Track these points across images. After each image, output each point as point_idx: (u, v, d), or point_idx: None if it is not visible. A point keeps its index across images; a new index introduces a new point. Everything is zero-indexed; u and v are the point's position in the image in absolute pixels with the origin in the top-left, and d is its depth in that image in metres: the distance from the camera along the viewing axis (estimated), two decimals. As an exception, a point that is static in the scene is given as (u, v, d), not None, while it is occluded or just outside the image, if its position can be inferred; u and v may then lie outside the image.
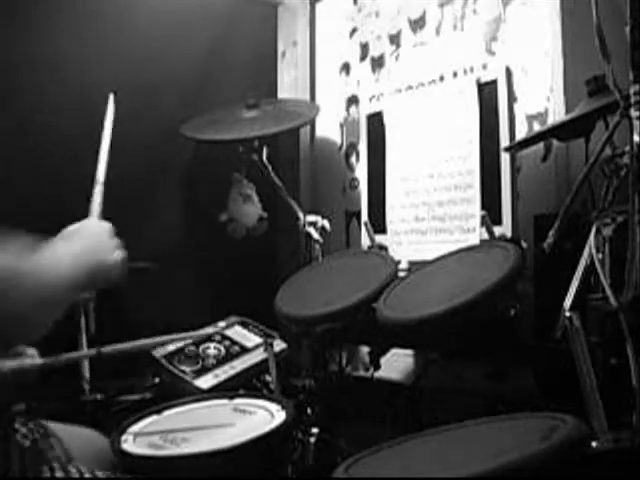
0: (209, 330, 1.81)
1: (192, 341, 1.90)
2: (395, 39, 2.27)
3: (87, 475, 0.97)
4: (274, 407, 1.35)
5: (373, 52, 2.35)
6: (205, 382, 1.73)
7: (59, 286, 0.93)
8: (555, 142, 1.80)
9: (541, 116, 1.86)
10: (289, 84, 2.62)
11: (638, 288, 1.03)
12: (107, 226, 1.11)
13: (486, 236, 1.62)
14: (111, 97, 1.45)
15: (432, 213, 1.87)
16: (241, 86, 2.40)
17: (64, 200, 1.91)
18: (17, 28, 1.92)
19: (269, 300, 1.73)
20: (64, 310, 0.95)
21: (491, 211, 1.64)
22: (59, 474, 0.95)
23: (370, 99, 2.28)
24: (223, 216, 2.23)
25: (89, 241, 1.03)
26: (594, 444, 0.99)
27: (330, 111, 2.46)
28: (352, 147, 2.41)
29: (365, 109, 2.18)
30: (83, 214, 1.20)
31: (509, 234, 1.67)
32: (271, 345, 1.66)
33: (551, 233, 1.25)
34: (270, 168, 2.16)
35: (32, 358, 1.21)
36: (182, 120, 2.18)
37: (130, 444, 1.23)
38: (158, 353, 1.83)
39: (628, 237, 1.04)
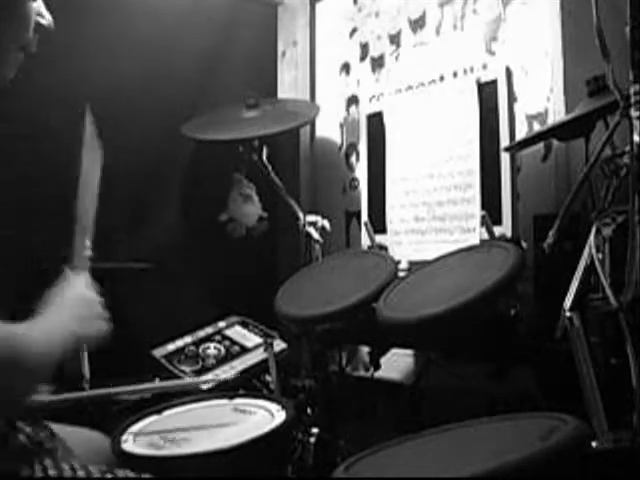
0: (187, 381, 1.74)
1: (192, 340, 1.90)
2: (395, 39, 2.27)
3: (80, 472, 0.97)
4: (274, 407, 1.35)
5: (373, 52, 2.35)
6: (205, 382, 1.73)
7: (48, 362, 0.98)
8: (555, 142, 1.80)
9: (541, 116, 1.86)
10: (289, 84, 2.62)
11: (638, 288, 1.03)
12: (94, 296, 1.14)
13: (486, 236, 1.62)
14: (87, 111, 1.26)
15: (432, 213, 1.87)
16: (241, 86, 2.40)
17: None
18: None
19: (269, 300, 1.73)
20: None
21: (491, 211, 1.64)
22: (52, 472, 0.95)
23: (370, 99, 2.28)
24: (223, 216, 2.24)
25: (77, 315, 1.07)
26: (594, 444, 0.99)
27: (330, 111, 2.46)
28: (352, 147, 2.41)
29: (365, 109, 2.18)
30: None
31: (509, 234, 1.67)
32: (271, 345, 1.66)
33: (551, 233, 1.25)
34: (270, 168, 2.16)
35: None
36: (182, 120, 2.18)
37: (130, 444, 1.23)
38: (158, 353, 1.84)
39: (628, 237, 1.04)
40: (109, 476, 0.99)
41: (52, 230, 1.55)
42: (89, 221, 1.22)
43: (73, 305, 1.08)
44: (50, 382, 1.05)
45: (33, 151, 1.93)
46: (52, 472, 0.95)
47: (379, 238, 1.96)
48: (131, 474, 1.02)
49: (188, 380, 1.73)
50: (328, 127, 2.50)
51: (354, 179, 2.39)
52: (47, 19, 1.03)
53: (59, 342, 1.00)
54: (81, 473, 0.97)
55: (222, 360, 1.83)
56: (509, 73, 1.73)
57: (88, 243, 1.21)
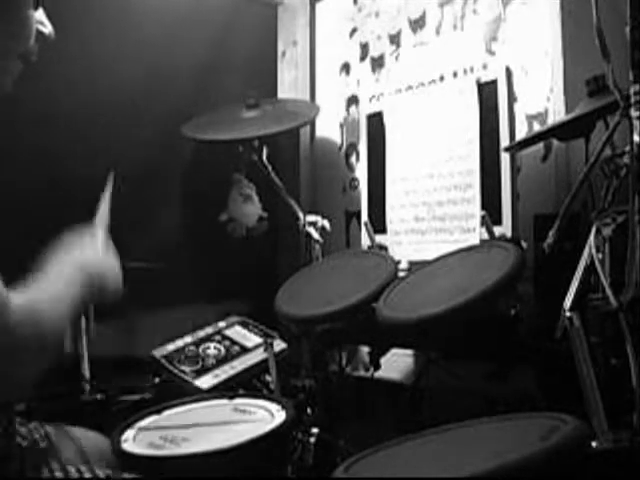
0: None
1: (192, 340, 1.90)
2: (395, 39, 2.27)
3: (87, 475, 0.97)
4: (274, 407, 1.35)
5: (373, 52, 2.35)
6: (205, 382, 1.73)
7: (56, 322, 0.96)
8: (555, 142, 1.80)
9: (541, 116, 1.86)
10: (289, 84, 2.62)
11: (638, 288, 1.03)
12: (108, 247, 1.16)
13: (486, 236, 1.62)
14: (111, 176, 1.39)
15: (432, 213, 1.87)
16: (241, 86, 2.40)
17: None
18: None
19: (269, 300, 1.73)
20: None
21: (491, 211, 1.64)
22: (58, 474, 0.95)
23: (370, 99, 2.28)
24: (223, 216, 2.24)
25: (91, 267, 1.07)
26: (594, 444, 0.99)
27: (330, 111, 2.46)
28: (352, 147, 2.41)
29: (365, 109, 2.18)
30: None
31: (509, 234, 1.67)
32: (271, 345, 1.66)
33: (551, 233, 1.25)
34: (270, 168, 2.16)
35: None
36: (182, 120, 2.18)
37: (130, 444, 1.23)
38: (158, 353, 1.84)
39: (628, 237, 1.04)
40: (114, 478, 0.99)
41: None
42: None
43: (88, 263, 1.08)
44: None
45: (35, 153, 1.93)
46: (58, 474, 0.95)
47: (379, 238, 1.96)
48: (135, 477, 1.02)
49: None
50: (328, 127, 2.50)
51: (354, 179, 2.39)
52: (48, 28, 1.04)
53: (66, 305, 0.98)
54: (87, 476, 0.97)
55: (222, 360, 1.83)
56: (509, 73, 1.73)
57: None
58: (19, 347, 0.83)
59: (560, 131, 1.57)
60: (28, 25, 0.98)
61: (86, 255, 1.08)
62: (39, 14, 1.02)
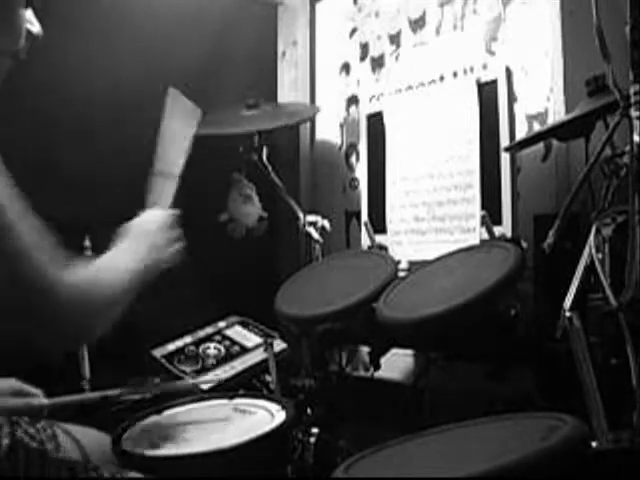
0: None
1: (192, 340, 1.90)
2: (395, 39, 2.27)
3: (92, 474, 0.97)
4: (274, 407, 1.35)
5: (373, 52, 2.35)
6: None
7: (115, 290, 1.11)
8: (555, 142, 1.80)
9: (541, 116, 1.86)
10: (289, 84, 2.62)
11: (638, 288, 1.03)
12: (166, 222, 1.31)
13: (486, 236, 1.62)
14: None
15: (432, 213, 1.87)
16: (241, 86, 2.40)
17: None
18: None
19: (269, 300, 1.73)
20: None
21: (491, 211, 1.64)
22: (64, 473, 0.95)
23: (370, 99, 2.28)
24: (223, 216, 2.23)
25: (151, 241, 1.23)
26: (594, 444, 0.99)
27: (330, 111, 2.46)
28: (352, 147, 2.41)
29: (365, 109, 2.18)
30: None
31: (509, 234, 1.67)
32: (271, 345, 1.66)
33: (551, 233, 1.25)
34: (270, 168, 2.16)
35: (38, 398, 1.27)
36: (182, 120, 2.18)
37: (130, 444, 1.23)
38: (158, 353, 1.84)
39: (628, 237, 1.04)
40: (118, 476, 0.99)
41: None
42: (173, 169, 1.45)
43: (149, 234, 1.23)
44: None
45: (33, 151, 1.93)
46: (64, 473, 0.95)
47: (379, 238, 1.96)
48: (139, 475, 1.03)
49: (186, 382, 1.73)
50: (328, 127, 2.50)
51: (354, 179, 2.39)
52: (36, 27, 1.04)
53: (139, 263, 1.14)
54: (93, 475, 0.97)
55: (222, 360, 1.83)
56: (509, 73, 1.73)
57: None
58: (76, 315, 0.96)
59: (560, 131, 1.57)
60: (19, 24, 0.99)
61: (150, 229, 1.25)
62: (28, 13, 1.03)
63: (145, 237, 1.23)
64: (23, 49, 1.02)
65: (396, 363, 1.97)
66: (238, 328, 1.99)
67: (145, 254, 1.19)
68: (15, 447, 0.97)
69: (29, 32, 1.03)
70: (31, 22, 1.03)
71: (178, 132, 1.44)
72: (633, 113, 1.04)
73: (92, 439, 1.20)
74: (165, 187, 1.43)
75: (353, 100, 2.42)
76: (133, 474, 1.03)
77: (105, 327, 1.07)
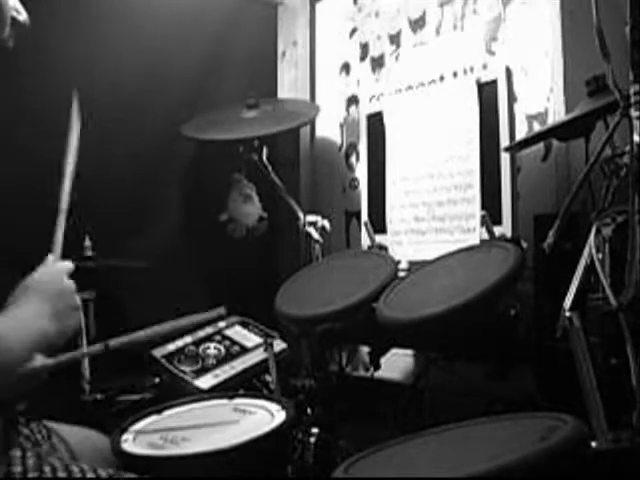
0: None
1: (192, 340, 1.90)
2: (395, 39, 2.27)
3: (90, 475, 0.97)
4: (274, 407, 1.35)
5: (373, 52, 2.35)
6: (205, 382, 1.73)
7: (23, 351, 0.94)
8: (555, 142, 1.80)
9: (541, 116, 1.86)
10: (289, 84, 2.62)
11: (638, 288, 1.03)
12: (69, 283, 1.08)
13: (486, 236, 1.62)
14: (75, 96, 1.34)
15: (432, 213, 1.87)
16: (241, 86, 2.40)
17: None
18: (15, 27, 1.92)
19: (269, 300, 1.73)
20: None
21: (491, 211, 1.64)
22: (61, 474, 0.94)
23: (370, 99, 2.28)
24: (223, 216, 2.23)
25: (52, 303, 1.01)
26: (594, 444, 0.99)
27: (330, 111, 2.46)
28: (352, 147, 2.41)
29: (365, 109, 2.18)
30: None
31: (509, 234, 1.67)
32: (271, 345, 1.66)
33: (551, 233, 1.25)
34: (270, 168, 2.16)
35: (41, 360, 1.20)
36: (182, 120, 2.18)
37: (130, 444, 1.23)
38: (158, 353, 1.84)
39: (628, 237, 1.04)
40: (116, 477, 0.99)
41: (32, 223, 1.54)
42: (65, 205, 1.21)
43: (49, 296, 1.02)
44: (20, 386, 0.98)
45: (31, 150, 1.92)
46: (61, 474, 0.95)
47: (379, 238, 1.96)
48: (137, 477, 1.02)
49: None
50: (328, 127, 2.50)
51: (354, 179, 2.39)
52: (23, 15, 1.03)
53: (33, 336, 0.96)
54: (90, 475, 0.96)
55: (222, 360, 1.83)
56: (509, 73, 1.73)
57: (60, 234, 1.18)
58: None
59: (560, 131, 1.57)
60: (3, 13, 0.98)
61: (51, 285, 1.04)
62: (13, 1, 1.02)
63: (52, 297, 1.02)
64: (9, 37, 1.01)
65: (396, 363, 1.97)
66: (238, 328, 1.99)
67: (49, 318, 0.99)
68: (10, 446, 0.97)
69: (15, 20, 1.02)
70: (17, 10, 1.02)
71: (72, 154, 1.30)
72: (633, 113, 1.04)
73: (86, 438, 1.20)
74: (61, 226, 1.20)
75: (353, 100, 2.42)
76: (129, 475, 1.03)
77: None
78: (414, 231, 1.92)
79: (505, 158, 1.71)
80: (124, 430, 1.30)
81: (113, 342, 1.15)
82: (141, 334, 1.21)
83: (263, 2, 2.61)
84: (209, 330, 1.95)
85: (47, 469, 0.95)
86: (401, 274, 1.67)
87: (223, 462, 1.17)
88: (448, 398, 1.74)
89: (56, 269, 1.08)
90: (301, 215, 2.11)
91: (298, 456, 1.55)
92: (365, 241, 2.00)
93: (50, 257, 1.12)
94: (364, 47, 2.38)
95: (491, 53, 1.97)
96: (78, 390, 1.76)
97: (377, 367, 1.70)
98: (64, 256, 1.16)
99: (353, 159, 2.41)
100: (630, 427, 1.01)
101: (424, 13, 2.17)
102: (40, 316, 0.98)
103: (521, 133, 1.82)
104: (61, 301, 1.03)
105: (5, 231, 1.78)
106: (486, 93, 1.76)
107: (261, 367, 1.78)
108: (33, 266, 1.06)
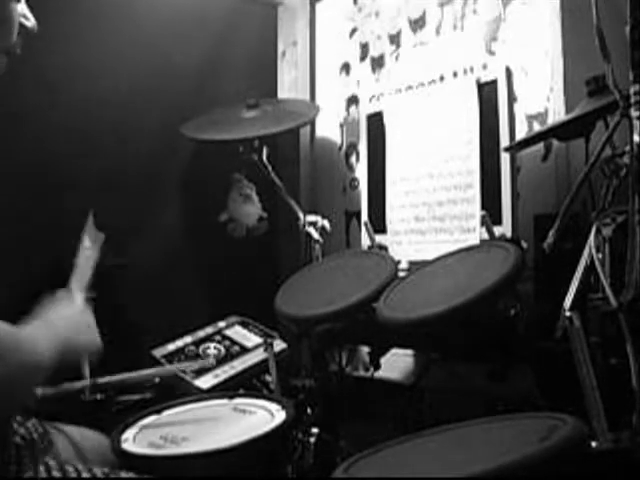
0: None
1: (192, 340, 1.90)
2: (395, 39, 2.27)
3: (85, 474, 0.97)
4: (274, 407, 1.35)
5: (373, 52, 2.35)
6: (205, 382, 1.73)
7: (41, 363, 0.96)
8: (555, 142, 1.80)
9: (541, 116, 1.86)
10: (289, 84, 2.62)
11: (638, 288, 1.03)
12: (89, 315, 1.17)
13: (486, 236, 1.62)
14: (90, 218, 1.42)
15: (432, 213, 1.87)
16: (241, 86, 2.40)
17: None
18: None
19: (269, 300, 1.73)
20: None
21: (491, 211, 1.64)
22: (56, 473, 0.94)
23: (370, 99, 2.28)
24: (223, 216, 2.23)
25: (72, 327, 1.09)
26: (594, 444, 0.99)
27: (330, 111, 2.46)
28: (352, 147, 2.41)
29: (365, 109, 2.18)
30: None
31: (509, 234, 1.67)
32: (271, 345, 1.66)
33: (551, 233, 1.25)
34: (270, 168, 2.16)
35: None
36: (182, 120, 2.18)
37: (130, 444, 1.23)
38: (158, 353, 1.84)
39: (628, 237, 1.04)
40: (113, 476, 0.99)
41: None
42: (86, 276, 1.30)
43: (69, 317, 1.10)
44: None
45: (35, 152, 1.93)
46: (56, 473, 0.95)
47: (379, 238, 1.96)
48: (134, 476, 1.02)
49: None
50: (328, 127, 2.50)
51: (354, 179, 2.39)
52: (31, 21, 1.03)
53: (54, 347, 0.99)
54: (85, 475, 0.96)
55: (222, 360, 1.83)
56: (509, 73, 1.73)
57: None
58: None
59: (560, 131, 1.57)
60: (12, 20, 0.98)
61: (64, 320, 1.09)
62: (22, 7, 1.02)
63: (65, 323, 1.09)
64: (17, 44, 1.01)
65: (396, 363, 1.97)
66: (238, 328, 1.99)
67: (64, 339, 1.04)
68: (6, 447, 0.97)
69: (23, 26, 1.02)
70: (25, 16, 1.02)
71: (90, 256, 1.36)
72: (633, 113, 1.04)
73: (85, 438, 1.20)
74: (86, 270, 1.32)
75: (353, 100, 2.42)
76: (125, 473, 1.03)
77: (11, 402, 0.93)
78: (414, 231, 1.92)
79: (505, 158, 1.71)
80: (124, 430, 1.30)
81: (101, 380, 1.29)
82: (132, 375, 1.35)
83: (263, 2, 2.61)
84: (209, 330, 1.95)
85: (41, 468, 0.95)
86: (401, 274, 1.67)
87: (223, 462, 1.17)
88: (448, 398, 1.74)
89: (74, 307, 1.19)
90: (301, 215, 2.11)
91: (298, 456, 1.55)
92: (365, 241, 2.00)
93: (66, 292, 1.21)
94: (364, 47, 2.38)
95: (491, 53, 1.97)
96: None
97: (377, 367, 1.70)
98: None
99: (353, 159, 2.41)
100: (630, 427, 1.01)
101: (424, 13, 2.17)
102: (61, 331, 1.04)
103: (521, 133, 1.81)
104: (80, 322, 1.12)
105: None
106: (486, 93, 1.76)
107: (261, 367, 1.78)
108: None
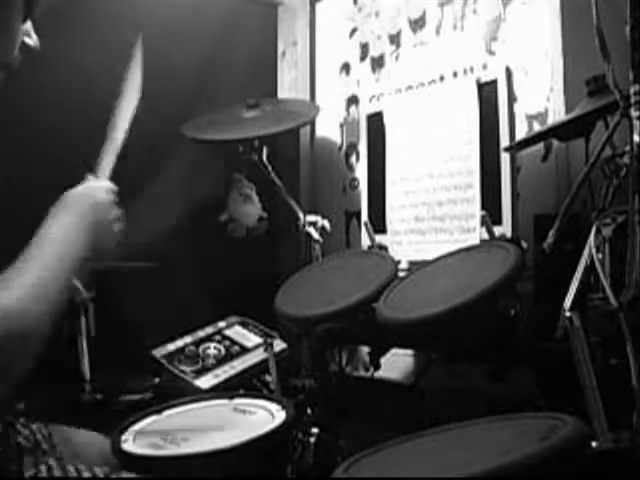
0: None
1: (192, 340, 1.90)
2: (395, 39, 2.27)
3: (86, 474, 0.97)
4: (274, 407, 1.35)
5: (373, 52, 2.35)
6: (205, 382, 1.73)
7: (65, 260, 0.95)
8: (555, 142, 1.80)
9: (541, 116, 1.86)
10: (289, 84, 2.62)
11: (638, 288, 1.03)
12: (109, 195, 1.14)
13: (486, 236, 1.62)
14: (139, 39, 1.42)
15: (432, 213, 1.87)
16: (241, 86, 2.40)
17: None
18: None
19: (269, 300, 1.73)
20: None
21: (491, 211, 1.64)
22: (57, 473, 0.95)
23: (370, 99, 2.28)
24: (223, 216, 2.23)
25: (91, 214, 1.06)
26: (594, 444, 0.99)
27: (330, 111, 2.46)
28: (352, 147, 2.41)
29: (365, 109, 2.18)
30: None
31: (509, 234, 1.67)
32: (271, 345, 1.66)
33: (551, 233, 1.25)
34: (270, 168, 2.16)
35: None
36: (182, 120, 2.18)
37: (130, 444, 1.23)
38: (158, 353, 1.84)
39: (628, 237, 1.04)
40: (114, 476, 0.99)
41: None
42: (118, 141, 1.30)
43: (89, 209, 1.06)
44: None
45: (32, 152, 1.93)
46: (57, 473, 0.95)
47: (379, 238, 1.96)
48: (134, 476, 1.02)
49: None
50: (328, 127, 2.50)
51: (354, 179, 2.39)
52: (33, 39, 1.03)
53: (76, 241, 0.98)
54: (86, 475, 0.96)
55: (222, 360, 1.83)
56: (509, 73, 1.73)
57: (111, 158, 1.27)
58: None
59: (560, 131, 1.57)
60: (15, 39, 0.98)
61: (89, 201, 1.08)
62: (26, 25, 1.02)
63: (87, 211, 1.05)
64: (16, 60, 1.01)
65: (396, 363, 1.97)
66: (238, 328, 1.99)
67: (85, 232, 1.01)
68: (8, 447, 0.97)
69: (25, 44, 1.02)
70: (28, 34, 1.02)
71: (133, 96, 1.33)
72: (633, 113, 1.04)
73: (87, 440, 1.20)
74: (111, 155, 1.29)
75: (353, 100, 2.42)
76: (127, 474, 1.03)
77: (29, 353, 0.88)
78: (414, 231, 1.92)
79: (505, 158, 1.71)
80: (124, 430, 1.30)
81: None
82: None
83: (263, 2, 2.61)
84: (209, 330, 1.95)
85: (43, 468, 0.95)
86: (401, 274, 1.67)
87: (223, 462, 1.17)
88: (448, 398, 1.74)
89: (93, 186, 1.14)
90: (301, 215, 2.11)
91: (298, 456, 1.55)
92: (365, 241, 2.00)
93: (90, 177, 1.18)
94: (364, 47, 2.38)
95: (491, 53, 1.97)
96: (78, 390, 1.76)
97: (377, 367, 1.69)
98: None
99: (353, 159, 2.41)
100: (630, 427, 1.01)
101: (424, 13, 2.17)
102: (69, 231, 1.00)
103: (521, 133, 1.81)
104: (95, 214, 1.06)
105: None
106: (486, 93, 1.76)
107: (261, 367, 1.78)
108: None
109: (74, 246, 0.98)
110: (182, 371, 1.77)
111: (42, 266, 0.90)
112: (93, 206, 1.08)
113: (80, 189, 1.10)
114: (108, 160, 1.23)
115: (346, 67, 2.45)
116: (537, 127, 1.86)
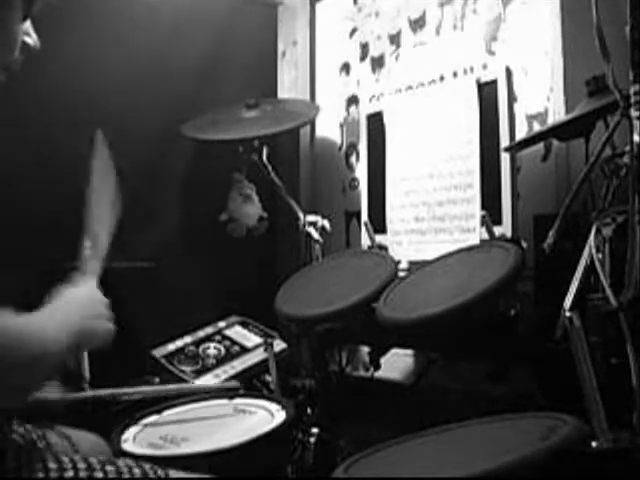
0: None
1: (192, 340, 1.90)
2: (395, 39, 2.27)
3: (81, 464, 0.96)
4: (274, 407, 1.35)
5: (373, 52, 2.35)
6: (205, 382, 1.73)
7: (53, 350, 0.95)
8: (555, 142, 1.80)
9: (541, 116, 1.86)
10: (289, 84, 2.62)
11: (638, 288, 1.03)
12: (101, 297, 1.14)
13: (486, 236, 1.62)
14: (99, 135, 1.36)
15: (432, 213, 1.87)
16: (241, 86, 2.40)
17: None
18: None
19: (269, 300, 1.73)
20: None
21: (491, 211, 1.64)
22: (52, 465, 0.94)
23: (370, 99, 2.28)
24: (223, 216, 2.23)
25: (84, 313, 1.06)
26: (594, 444, 0.99)
27: (330, 111, 2.46)
28: (352, 147, 2.41)
29: (365, 109, 2.18)
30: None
31: (509, 234, 1.67)
32: (271, 345, 1.66)
33: (551, 233, 1.25)
34: (270, 168, 2.16)
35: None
36: (182, 120, 2.18)
37: (130, 444, 1.23)
38: (158, 353, 1.84)
39: (628, 237, 1.04)
40: (109, 468, 0.98)
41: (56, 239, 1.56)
42: (100, 231, 1.27)
43: (80, 303, 1.07)
44: (55, 378, 1.02)
45: (34, 156, 1.93)
46: (52, 465, 0.95)
47: (379, 238, 1.96)
48: (131, 462, 1.02)
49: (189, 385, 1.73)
50: (328, 127, 2.50)
51: (354, 179, 2.39)
52: (33, 39, 1.03)
53: (65, 334, 0.97)
54: (82, 465, 0.96)
55: (222, 360, 1.83)
56: (509, 73, 1.73)
57: (101, 250, 1.23)
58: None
59: (560, 131, 1.57)
60: (15, 39, 0.98)
61: (77, 305, 1.07)
62: (26, 25, 1.01)
63: (78, 307, 1.06)
64: (16, 61, 1.01)
65: (396, 363, 1.97)
66: (238, 328, 1.99)
67: (77, 324, 1.01)
68: (5, 445, 0.97)
69: (25, 44, 1.01)
70: (28, 34, 1.02)
71: (102, 187, 1.31)
72: (633, 113, 1.04)
73: (84, 440, 1.20)
74: (96, 256, 1.25)
75: (353, 100, 2.42)
76: (123, 460, 1.03)
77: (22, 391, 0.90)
78: (414, 231, 1.92)
79: (505, 158, 1.71)
80: (124, 430, 1.30)
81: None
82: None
83: (263, 2, 2.61)
84: (209, 330, 1.95)
85: (39, 466, 0.95)
86: (401, 274, 1.67)
87: (223, 462, 1.17)
88: (448, 398, 1.74)
89: (89, 284, 1.14)
90: (301, 215, 2.11)
91: (298, 456, 1.55)
92: (365, 241, 2.00)
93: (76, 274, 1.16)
94: (364, 47, 2.38)
95: (491, 53, 1.97)
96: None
97: (377, 367, 1.69)
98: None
99: (353, 159, 2.41)
100: (630, 427, 1.01)
101: (424, 13, 2.17)
102: (70, 318, 1.01)
103: (521, 133, 1.81)
104: (93, 307, 1.09)
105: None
106: (486, 93, 1.76)
107: (261, 367, 1.78)
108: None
109: (66, 335, 0.97)
110: (182, 371, 1.77)
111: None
112: (90, 299, 1.10)
113: (74, 289, 1.10)
114: (94, 264, 1.21)
115: (346, 67, 2.45)
116: (537, 127, 1.86)
